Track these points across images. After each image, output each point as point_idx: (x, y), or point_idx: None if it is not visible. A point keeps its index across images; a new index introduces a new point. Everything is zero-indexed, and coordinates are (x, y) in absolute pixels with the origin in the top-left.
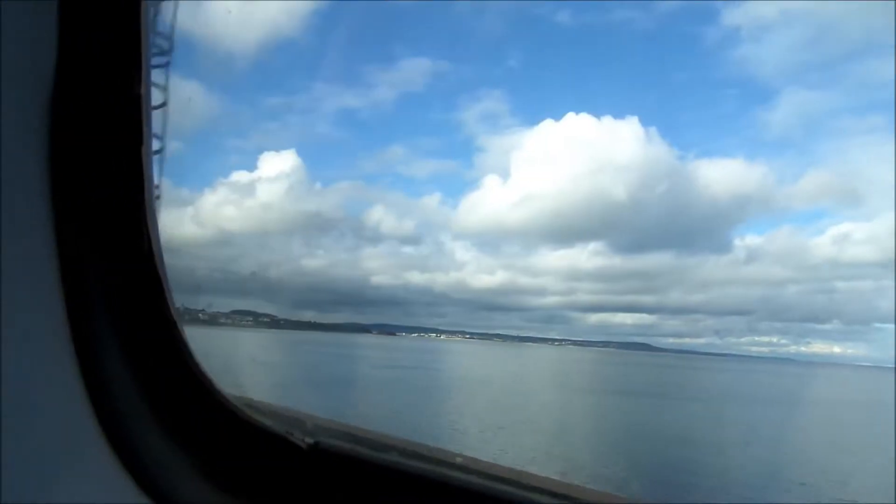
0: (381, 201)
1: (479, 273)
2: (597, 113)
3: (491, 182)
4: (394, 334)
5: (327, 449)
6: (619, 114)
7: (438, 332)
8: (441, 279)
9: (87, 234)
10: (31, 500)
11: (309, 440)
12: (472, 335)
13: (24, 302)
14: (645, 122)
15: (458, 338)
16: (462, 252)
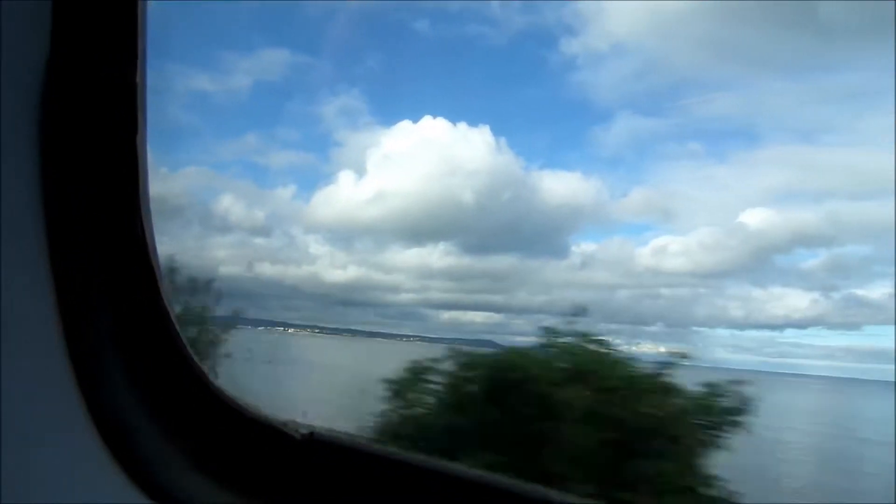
0: (231, 190)
1: (333, 268)
2: (453, 119)
3: (346, 177)
4: (235, 327)
5: (323, 439)
6: (473, 121)
7: (287, 325)
8: (293, 272)
9: (80, 222)
10: (21, 500)
11: (304, 430)
12: (324, 330)
13: (14, 291)
14: (496, 132)
15: (307, 332)
16: (315, 246)
